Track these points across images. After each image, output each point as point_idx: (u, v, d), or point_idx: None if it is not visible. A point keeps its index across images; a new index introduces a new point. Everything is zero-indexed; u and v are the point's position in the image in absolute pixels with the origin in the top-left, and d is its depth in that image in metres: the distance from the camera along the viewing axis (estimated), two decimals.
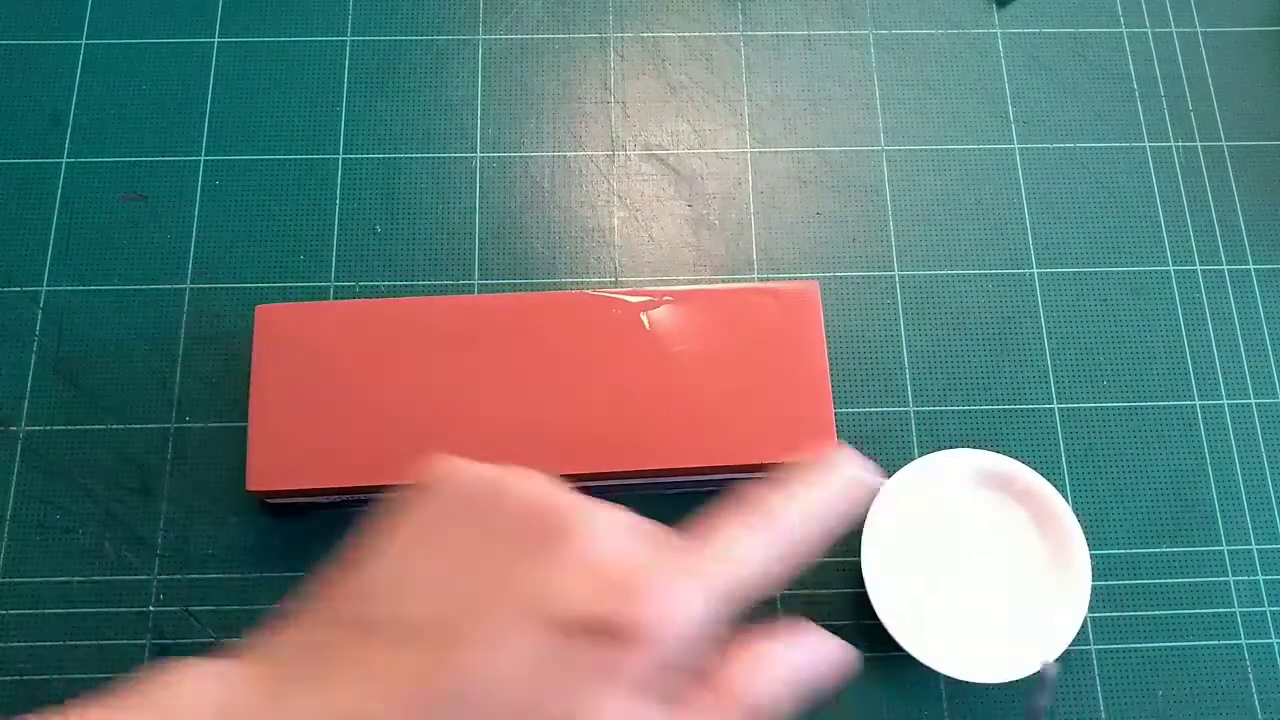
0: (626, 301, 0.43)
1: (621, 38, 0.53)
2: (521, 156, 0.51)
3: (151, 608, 0.43)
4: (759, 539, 0.28)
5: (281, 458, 0.41)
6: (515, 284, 0.49)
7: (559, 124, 0.52)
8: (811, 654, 0.29)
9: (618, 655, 0.24)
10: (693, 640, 0.25)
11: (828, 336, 0.45)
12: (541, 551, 0.25)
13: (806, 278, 0.49)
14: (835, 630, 0.43)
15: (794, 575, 0.29)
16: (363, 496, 0.42)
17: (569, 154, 0.51)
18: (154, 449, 0.45)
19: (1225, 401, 0.48)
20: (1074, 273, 0.50)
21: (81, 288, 0.48)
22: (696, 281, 0.49)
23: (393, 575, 0.26)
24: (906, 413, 0.47)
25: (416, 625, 0.24)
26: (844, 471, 0.31)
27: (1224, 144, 0.52)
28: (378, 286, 0.48)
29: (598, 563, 0.25)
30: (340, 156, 0.50)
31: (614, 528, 0.26)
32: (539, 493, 0.27)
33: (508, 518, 0.26)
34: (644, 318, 0.43)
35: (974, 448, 0.44)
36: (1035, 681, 0.40)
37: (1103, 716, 0.43)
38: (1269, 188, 0.51)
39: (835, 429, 0.42)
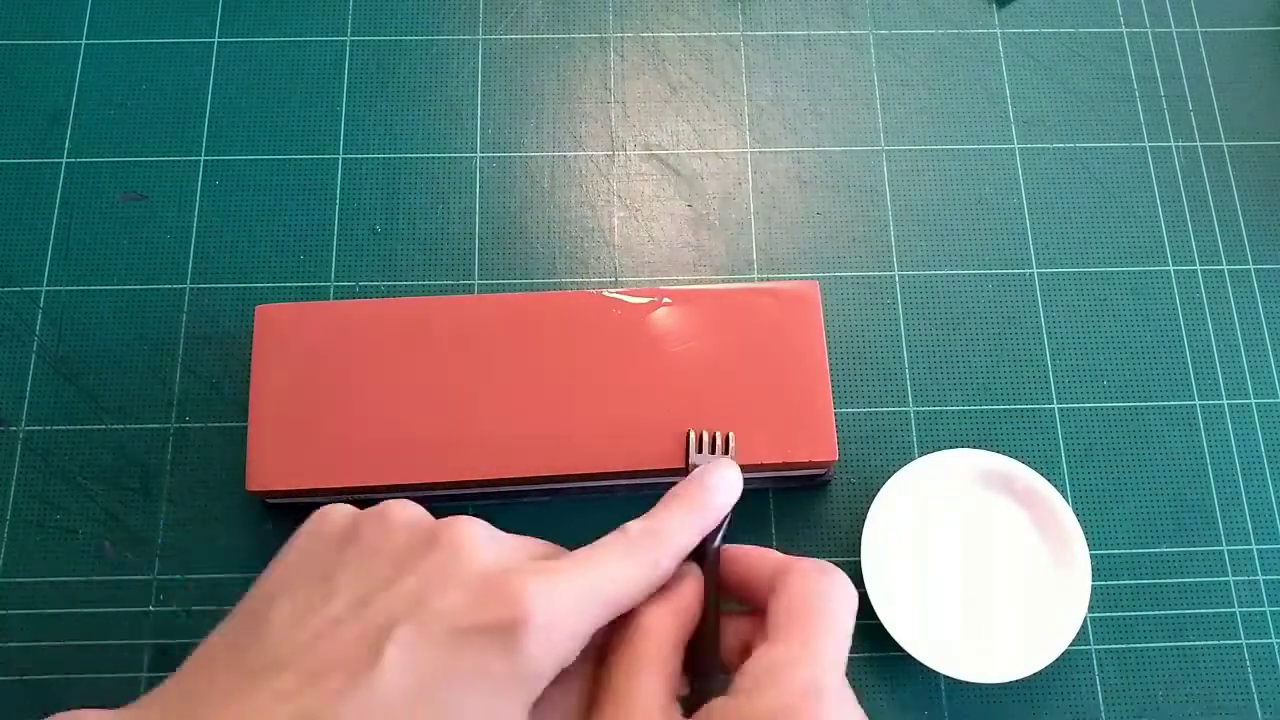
0: (626, 301, 0.43)
1: (621, 38, 0.53)
2: (521, 156, 0.51)
3: (151, 608, 0.43)
4: (630, 549, 0.29)
5: (281, 458, 0.41)
6: (515, 284, 0.49)
7: (559, 124, 0.51)
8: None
9: (502, 661, 0.24)
10: (572, 637, 0.26)
11: (828, 336, 0.45)
12: (412, 570, 0.26)
13: (806, 278, 0.49)
14: None
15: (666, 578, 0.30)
16: (363, 497, 0.42)
17: (569, 154, 0.51)
18: (154, 449, 0.45)
19: (1225, 401, 0.48)
20: (1074, 273, 0.49)
21: (81, 288, 0.48)
22: (696, 281, 0.49)
23: (264, 615, 0.26)
24: (906, 413, 0.47)
25: (288, 660, 0.24)
26: (711, 480, 0.33)
27: (1224, 144, 0.52)
28: (378, 286, 0.48)
29: (469, 573, 0.26)
30: (340, 156, 0.50)
31: (479, 539, 0.27)
32: (412, 517, 0.28)
33: (384, 542, 0.27)
34: (643, 319, 0.43)
35: (974, 448, 0.44)
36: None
37: (1103, 716, 0.43)
38: (1269, 188, 0.51)
39: (835, 429, 0.42)
